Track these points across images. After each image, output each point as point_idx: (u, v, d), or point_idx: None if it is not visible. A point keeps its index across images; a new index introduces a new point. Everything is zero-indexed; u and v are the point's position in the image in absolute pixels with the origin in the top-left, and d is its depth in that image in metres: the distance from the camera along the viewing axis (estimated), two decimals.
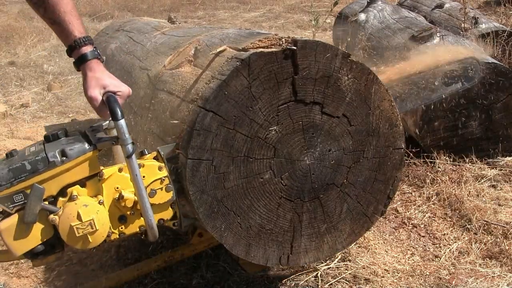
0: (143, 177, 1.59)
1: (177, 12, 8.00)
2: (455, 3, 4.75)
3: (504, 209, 2.73)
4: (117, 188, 1.60)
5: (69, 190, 1.56)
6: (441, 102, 2.72)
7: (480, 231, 2.53)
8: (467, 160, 3.15)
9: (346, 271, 2.24)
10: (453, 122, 3.27)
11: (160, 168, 1.65)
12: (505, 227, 2.53)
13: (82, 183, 1.58)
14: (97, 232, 1.56)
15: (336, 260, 2.31)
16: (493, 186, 2.96)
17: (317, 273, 2.23)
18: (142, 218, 1.62)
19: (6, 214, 1.52)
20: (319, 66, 1.73)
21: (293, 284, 2.19)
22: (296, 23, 7.18)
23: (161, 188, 1.64)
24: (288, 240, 1.85)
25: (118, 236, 1.64)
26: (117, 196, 1.59)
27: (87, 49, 1.65)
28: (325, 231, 1.90)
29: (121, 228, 1.63)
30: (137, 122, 2.16)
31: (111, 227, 1.61)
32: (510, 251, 2.34)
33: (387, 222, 2.64)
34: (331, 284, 2.17)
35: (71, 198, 1.55)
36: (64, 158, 1.53)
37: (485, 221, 2.58)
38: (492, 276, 2.20)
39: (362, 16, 4.35)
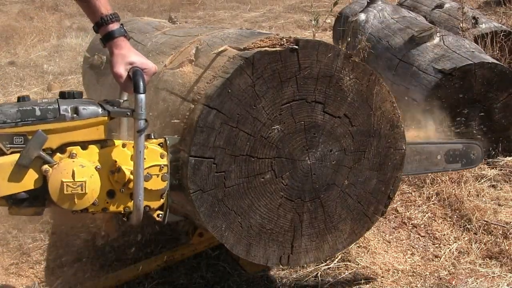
0: (144, 159, 1.57)
1: (177, 12, 7.98)
2: (455, 3, 4.76)
3: (504, 209, 2.74)
4: (116, 162, 1.58)
5: (69, 148, 1.55)
6: (441, 173, 2.82)
7: (480, 231, 2.53)
8: None
9: (346, 271, 2.25)
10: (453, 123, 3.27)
11: (162, 156, 1.64)
12: (505, 227, 2.53)
13: (84, 145, 1.57)
14: (85, 196, 1.53)
15: (336, 260, 2.31)
16: (493, 186, 2.96)
17: (317, 273, 2.23)
18: (130, 200, 1.60)
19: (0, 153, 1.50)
20: (321, 66, 1.73)
21: (293, 284, 2.19)
22: (296, 23, 7.18)
23: (158, 175, 1.63)
24: (288, 240, 1.85)
25: (101, 210, 1.61)
26: (114, 169, 1.57)
27: (114, 27, 1.66)
28: (325, 231, 1.90)
29: (107, 203, 1.60)
30: None
31: (98, 198, 1.57)
32: (510, 251, 2.34)
33: (387, 222, 2.65)
34: (331, 284, 2.17)
35: (70, 156, 1.54)
36: (75, 115, 1.52)
37: (485, 221, 2.59)
38: (492, 276, 2.20)
39: (362, 16, 4.35)
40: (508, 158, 3.21)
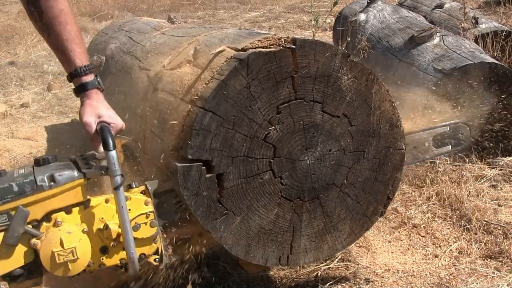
0: (129, 210, 1.58)
1: (177, 12, 7.99)
2: (455, 3, 4.75)
3: (504, 209, 2.73)
4: (102, 218, 1.60)
5: (54, 215, 1.56)
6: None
7: (480, 231, 2.52)
8: (467, 160, 3.15)
9: (346, 271, 2.24)
10: None
11: (146, 203, 1.65)
12: (505, 227, 2.53)
13: (68, 210, 1.58)
14: (78, 261, 1.55)
15: (336, 260, 2.31)
16: (493, 186, 2.96)
17: (317, 273, 2.23)
18: (123, 251, 1.62)
19: None
20: (319, 65, 1.73)
21: (293, 284, 2.18)
22: (296, 23, 7.18)
23: (146, 223, 1.64)
24: (287, 240, 1.85)
25: (98, 267, 1.63)
26: (102, 227, 1.59)
27: (87, 78, 1.69)
28: (324, 231, 1.90)
29: (102, 259, 1.63)
30: (136, 121, 2.16)
31: (92, 257, 1.60)
32: (510, 251, 2.34)
33: (387, 222, 2.64)
34: (331, 284, 2.16)
35: (56, 224, 1.55)
36: (52, 183, 1.53)
37: (485, 221, 2.58)
38: (492, 276, 2.20)
39: (362, 16, 4.35)
40: (508, 158, 3.20)
